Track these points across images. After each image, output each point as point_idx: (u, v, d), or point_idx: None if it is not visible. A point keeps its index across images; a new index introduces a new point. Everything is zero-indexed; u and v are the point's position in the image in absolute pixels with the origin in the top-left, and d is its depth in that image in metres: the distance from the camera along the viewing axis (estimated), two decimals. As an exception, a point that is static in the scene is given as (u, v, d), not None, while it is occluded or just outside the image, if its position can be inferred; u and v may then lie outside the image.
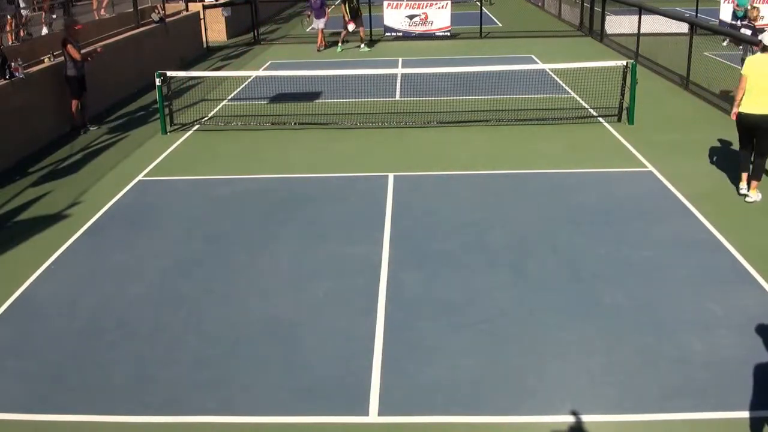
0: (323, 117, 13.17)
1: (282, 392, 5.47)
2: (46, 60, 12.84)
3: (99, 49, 13.40)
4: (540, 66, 15.46)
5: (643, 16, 17.30)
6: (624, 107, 12.47)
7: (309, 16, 21.58)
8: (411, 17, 22.83)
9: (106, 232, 8.53)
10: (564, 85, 15.21)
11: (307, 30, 24.21)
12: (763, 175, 8.89)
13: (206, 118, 13.41)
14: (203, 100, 14.85)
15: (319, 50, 21.04)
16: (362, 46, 20.89)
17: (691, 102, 13.91)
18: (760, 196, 8.69)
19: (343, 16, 20.53)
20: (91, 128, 13.03)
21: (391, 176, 10.01)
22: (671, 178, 9.66)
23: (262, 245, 8.01)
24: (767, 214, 8.55)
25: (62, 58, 12.66)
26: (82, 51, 12.74)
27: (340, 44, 20.94)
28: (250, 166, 10.69)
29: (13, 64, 11.38)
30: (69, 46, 12.32)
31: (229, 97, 15.19)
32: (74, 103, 12.63)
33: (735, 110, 8.72)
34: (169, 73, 12.85)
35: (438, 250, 7.76)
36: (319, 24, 20.97)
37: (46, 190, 9.99)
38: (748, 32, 12.29)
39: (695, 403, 5.20)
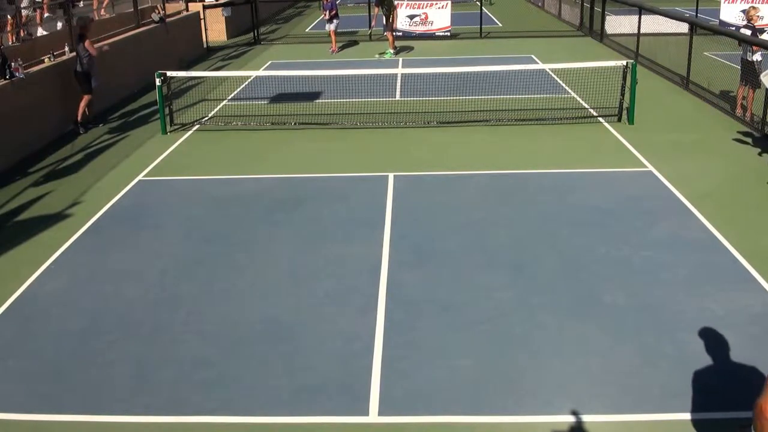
0: (323, 117, 13.17)
1: (282, 392, 5.47)
2: (46, 60, 12.83)
3: (105, 48, 13.48)
4: (540, 66, 15.46)
5: (643, 16, 17.30)
6: (624, 107, 12.47)
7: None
8: (411, 17, 22.83)
9: (106, 232, 8.53)
10: (564, 85, 15.21)
11: (308, 30, 24.19)
12: None
13: (206, 118, 13.41)
14: (203, 100, 14.85)
15: (332, 52, 20.74)
16: (386, 52, 20.28)
17: (691, 102, 13.91)
18: None
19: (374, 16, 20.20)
20: (98, 125, 13.08)
21: (391, 176, 10.02)
22: (671, 178, 9.66)
23: (262, 245, 8.01)
24: (767, 213, 8.55)
25: (63, 57, 12.67)
26: (95, 46, 12.90)
27: (390, 49, 20.10)
28: (250, 166, 10.69)
29: (13, 64, 11.38)
30: (87, 42, 12.43)
31: (229, 97, 15.19)
32: (85, 98, 12.65)
33: None
34: (169, 73, 12.85)
35: (438, 250, 7.76)
36: (329, 26, 20.79)
37: (46, 190, 9.99)
38: (748, 32, 12.28)
39: (695, 403, 5.20)
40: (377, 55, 19.91)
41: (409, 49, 21.10)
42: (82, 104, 12.69)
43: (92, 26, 13.20)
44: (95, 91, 13.03)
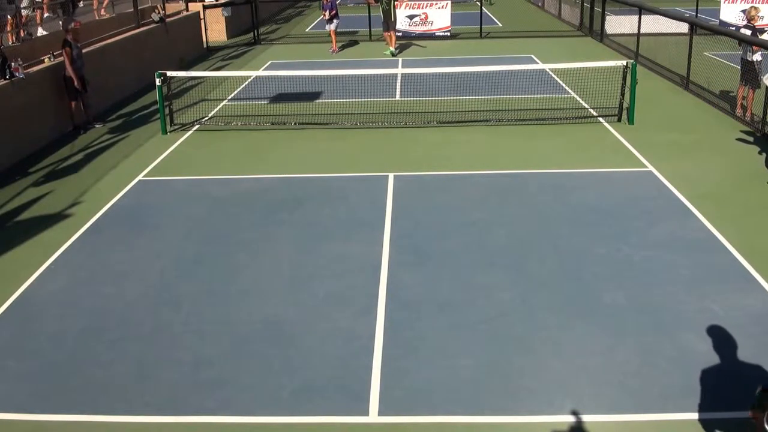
0: (323, 117, 13.17)
1: (282, 392, 5.47)
2: (46, 60, 12.83)
3: (77, 84, 12.54)
4: (540, 66, 15.46)
5: (643, 16, 17.30)
6: (624, 107, 12.47)
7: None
8: (411, 17, 22.82)
9: (106, 232, 8.53)
10: (564, 85, 15.21)
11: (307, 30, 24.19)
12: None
13: (206, 118, 13.41)
14: (203, 100, 14.85)
15: (332, 52, 20.71)
16: (390, 50, 20.25)
17: (691, 102, 13.91)
18: None
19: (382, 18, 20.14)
20: (97, 125, 13.10)
21: (391, 176, 10.02)
22: (671, 178, 9.67)
23: (262, 245, 8.01)
24: (767, 213, 8.55)
25: (62, 58, 12.66)
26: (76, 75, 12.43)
27: (392, 48, 20.10)
28: (249, 166, 10.69)
29: (13, 64, 11.38)
30: (66, 51, 12.27)
31: (229, 97, 15.19)
32: (72, 104, 12.64)
33: None
34: (169, 73, 12.85)
35: (438, 250, 7.76)
36: (330, 26, 20.75)
37: (47, 190, 9.99)
38: (748, 32, 12.27)
39: (695, 403, 5.20)
40: (386, 51, 20.06)
41: (409, 49, 21.11)
42: (72, 110, 12.66)
43: (73, 31, 12.64)
44: (96, 91, 13.04)
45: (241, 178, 10.19)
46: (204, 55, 21.27)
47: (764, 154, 10.52)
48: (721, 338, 5.97)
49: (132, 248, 8.05)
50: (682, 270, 7.16)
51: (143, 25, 17.97)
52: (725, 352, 5.80)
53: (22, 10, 13.97)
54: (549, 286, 6.92)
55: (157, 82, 12.32)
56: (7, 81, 11.26)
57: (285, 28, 27.59)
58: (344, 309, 6.61)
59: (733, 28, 16.59)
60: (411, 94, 14.66)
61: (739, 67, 12.51)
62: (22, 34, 13.84)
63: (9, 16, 13.17)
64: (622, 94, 12.52)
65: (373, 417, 5.18)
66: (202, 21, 22.07)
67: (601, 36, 21.19)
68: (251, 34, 23.37)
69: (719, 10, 22.34)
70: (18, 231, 8.64)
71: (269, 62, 19.66)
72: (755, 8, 12.69)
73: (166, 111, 12.71)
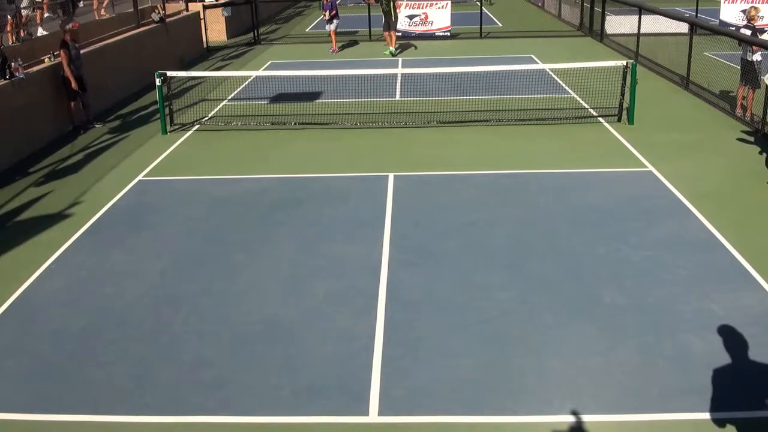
0: (323, 117, 13.17)
1: (282, 392, 5.47)
2: (46, 60, 12.83)
3: (73, 85, 12.49)
4: (540, 66, 15.46)
5: (643, 16, 17.30)
6: (624, 107, 12.47)
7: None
8: (411, 17, 22.82)
9: (106, 232, 8.53)
10: (564, 85, 15.21)
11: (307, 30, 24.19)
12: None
13: (206, 118, 13.41)
14: (203, 100, 14.85)
15: (332, 52, 20.73)
16: (390, 49, 20.25)
17: (691, 102, 13.91)
18: None
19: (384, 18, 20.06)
20: (97, 125, 13.09)
21: (391, 176, 10.02)
22: (671, 178, 9.67)
23: (262, 245, 8.01)
24: (767, 214, 8.55)
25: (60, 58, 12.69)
26: (73, 76, 12.35)
27: (392, 47, 20.14)
28: (249, 166, 10.69)
29: (13, 64, 11.38)
30: (63, 53, 12.25)
31: (229, 97, 15.19)
32: (71, 104, 12.63)
33: None
34: (169, 73, 12.85)
35: (438, 250, 7.76)
36: (330, 26, 20.74)
37: (46, 190, 9.99)
38: (748, 32, 12.28)
39: (695, 403, 5.20)
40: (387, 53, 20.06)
41: (409, 49, 21.11)
42: (72, 110, 12.66)
43: (71, 31, 12.60)
44: (96, 91, 13.02)
45: (241, 178, 10.19)
46: (204, 55, 21.27)
47: (764, 154, 10.52)
48: (721, 338, 5.97)
49: (132, 248, 8.05)
50: (682, 270, 7.16)
51: (143, 25, 17.97)
52: (725, 352, 5.80)
53: (22, 10, 13.96)
54: (549, 286, 6.92)
55: (157, 82, 12.32)
56: (7, 81, 11.26)
57: (285, 28, 27.59)
58: (344, 309, 6.61)
59: (733, 28, 16.59)
60: (411, 94, 14.66)
61: (739, 67, 12.51)
62: (22, 34, 13.84)
63: (9, 16, 13.17)
64: (622, 94, 12.52)
65: (373, 417, 5.18)
66: (202, 21, 22.07)
67: (601, 36, 21.19)
68: (251, 34, 23.37)
69: (719, 10, 22.34)
70: (18, 231, 8.64)
71: (269, 62, 19.66)
72: (755, 8, 12.69)
73: (166, 111, 12.71)
